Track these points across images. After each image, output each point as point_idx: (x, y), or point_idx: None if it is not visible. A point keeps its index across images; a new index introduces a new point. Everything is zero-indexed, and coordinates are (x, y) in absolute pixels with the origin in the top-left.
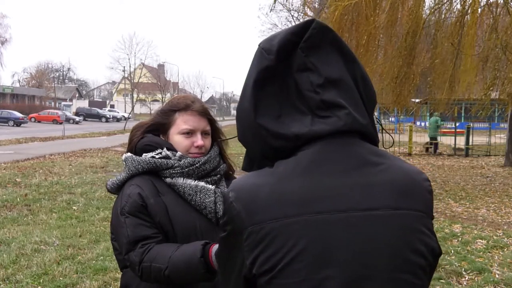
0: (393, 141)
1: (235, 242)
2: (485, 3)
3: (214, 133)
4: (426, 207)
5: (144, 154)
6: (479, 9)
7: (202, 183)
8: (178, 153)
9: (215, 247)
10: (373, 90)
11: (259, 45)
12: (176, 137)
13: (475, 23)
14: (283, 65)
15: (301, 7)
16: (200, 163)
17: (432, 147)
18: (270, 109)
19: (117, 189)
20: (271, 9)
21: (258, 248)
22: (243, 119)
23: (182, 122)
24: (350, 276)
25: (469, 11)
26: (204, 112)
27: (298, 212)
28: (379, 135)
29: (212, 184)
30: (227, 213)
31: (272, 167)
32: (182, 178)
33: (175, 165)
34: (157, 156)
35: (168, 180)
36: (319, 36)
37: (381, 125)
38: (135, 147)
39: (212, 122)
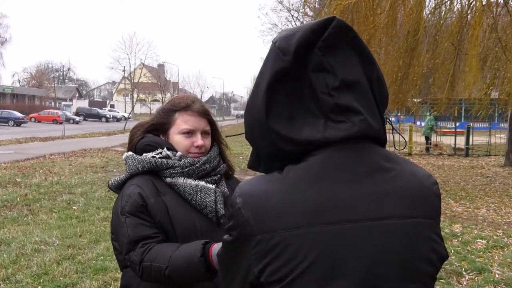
0: (406, 143)
1: (242, 248)
2: (485, 3)
3: (214, 133)
4: (435, 213)
5: (144, 154)
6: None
7: (202, 183)
8: (178, 153)
9: (215, 246)
10: (387, 92)
11: (274, 43)
12: (176, 137)
13: (478, 23)
14: (299, 64)
15: (301, 7)
16: (200, 163)
17: (431, 146)
18: (282, 110)
19: (117, 187)
20: (280, 8)
21: (268, 257)
22: (253, 118)
23: (182, 122)
24: (361, 287)
25: (469, 11)
26: (204, 112)
27: (309, 222)
28: (390, 135)
29: (212, 184)
30: (234, 219)
31: (281, 172)
32: (182, 178)
33: (175, 165)
34: (157, 156)
35: (169, 180)
36: (338, 35)
37: (393, 126)
38: (135, 147)
39: (212, 122)
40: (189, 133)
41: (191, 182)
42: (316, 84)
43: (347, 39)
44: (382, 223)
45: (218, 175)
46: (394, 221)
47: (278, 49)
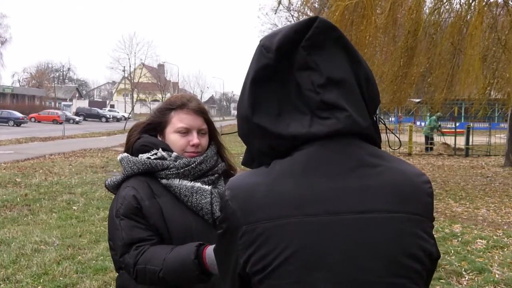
0: (400, 142)
1: (231, 240)
2: (485, 3)
3: (212, 132)
4: (425, 211)
5: (140, 155)
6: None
7: (198, 184)
8: (174, 154)
9: (210, 248)
10: (377, 91)
11: (259, 42)
12: (172, 136)
13: (481, 22)
14: (284, 63)
15: (302, 7)
16: (196, 163)
17: (432, 146)
18: (269, 108)
19: (114, 188)
20: (275, 11)
21: (252, 248)
22: (241, 116)
23: (177, 121)
24: (342, 279)
25: (470, 11)
26: (200, 111)
27: (292, 213)
28: (384, 135)
29: (209, 184)
30: (223, 211)
31: (268, 166)
32: (178, 179)
33: (171, 165)
34: (152, 157)
35: (164, 181)
36: (322, 34)
37: (385, 125)
38: (131, 147)
39: (208, 121)
40: (185, 132)
41: (187, 183)
42: (301, 82)
43: (332, 39)
44: (366, 216)
45: (216, 175)
46: (377, 214)
47: (262, 47)
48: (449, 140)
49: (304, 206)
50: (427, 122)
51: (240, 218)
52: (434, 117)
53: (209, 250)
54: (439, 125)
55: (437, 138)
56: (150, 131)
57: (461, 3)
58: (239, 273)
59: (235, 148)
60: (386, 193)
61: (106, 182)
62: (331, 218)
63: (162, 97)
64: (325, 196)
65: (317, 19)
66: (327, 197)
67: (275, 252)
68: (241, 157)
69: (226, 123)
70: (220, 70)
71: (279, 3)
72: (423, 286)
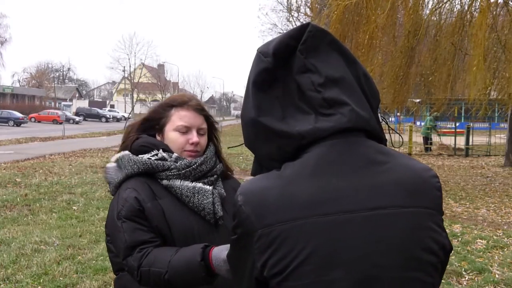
0: (403, 140)
1: (246, 245)
2: (486, 3)
3: (211, 131)
4: (435, 204)
5: (139, 155)
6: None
7: (199, 185)
8: (174, 155)
9: (215, 249)
10: (376, 88)
11: (257, 50)
12: (171, 134)
13: (485, 22)
14: (283, 68)
15: (304, 8)
16: (197, 164)
17: (431, 146)
18: (273, 111)
19: (113, 188)
20: (280, 8)
21: (268, 251)
22: (247, 122)
23: (177, 119)
24: (359, 276)
25: (472, 10)
26: (200, 109)
27: (306, 214)
28: (387, 135)
29: (209, 185)
30: (237, 217)
31: (279, 169)
32: (179, 180)
33: (172, 167)
34: (153, 158)
35: (165, 182)
36: (316, 38)
37: (387, 123)
38: (130, 148)
39: (208, 119)
40: (185, 130)
41: (188, 184)
42: (302, 83)
43: (326, 42)
44: (379, 212)
45: (215, 176)
46: (390, 210)
47: (260, 53)
48: (448, 140)
49: (317, 206)
50: (424, 123)
51: (254, 222)
52: (430, 117)
53: (215, 252)
54: (435, 125)
55: (435, 138)
56: (148, 129)
57: (462, 3)
58: (256, 277)
59: (236, 148)
60: (396, 189)
61: (108, 168)
62: (345, 217)
63: (162, 97)
64: (337, 196)
65: (309, 25)
66: (339, 196)
67: (293, 254)
68: (241, 157)
69: (226, 123)
70: (220, 70)
71: (291, 8)
72: (437, 278)
